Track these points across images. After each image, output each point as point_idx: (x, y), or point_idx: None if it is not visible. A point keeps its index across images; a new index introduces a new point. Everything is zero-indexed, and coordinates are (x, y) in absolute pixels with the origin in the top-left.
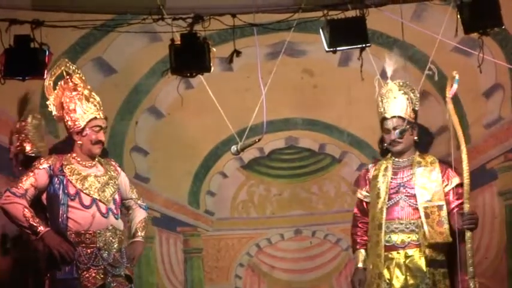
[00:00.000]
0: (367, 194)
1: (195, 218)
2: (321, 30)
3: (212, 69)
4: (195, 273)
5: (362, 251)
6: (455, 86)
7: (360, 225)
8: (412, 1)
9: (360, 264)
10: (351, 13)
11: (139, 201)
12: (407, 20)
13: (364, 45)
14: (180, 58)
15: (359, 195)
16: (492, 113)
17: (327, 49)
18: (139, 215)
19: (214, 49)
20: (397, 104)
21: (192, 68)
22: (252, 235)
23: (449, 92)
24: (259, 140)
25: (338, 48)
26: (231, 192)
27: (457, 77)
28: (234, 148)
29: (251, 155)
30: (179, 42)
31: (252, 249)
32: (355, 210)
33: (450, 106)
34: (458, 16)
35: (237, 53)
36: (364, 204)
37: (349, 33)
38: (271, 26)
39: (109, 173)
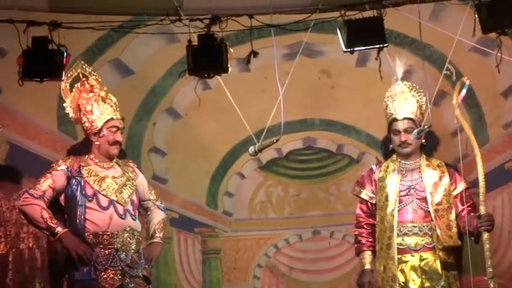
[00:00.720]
0: (373, 195)
1: (213, 219)
2: (338, 30)
3: (229, 70)
4: (213, 274)
5: (369, 252)
6: (464, 91)
7: (364, 226)
8: (430, 1)
9: (368, 266)
10: (369, 13)
11: (157, 203)
12: (425, 19)
13: (381, 45)
14: (197, 59)
15: (363, 196)
16: (510, 113)
17: (345, 49)
18: (157, 216)
19: (231, 50)
20: (407, 105)
21: (209, 69)
22: (270, 236)
23: (458, 97)
24: (276, 140)
25: (355, 49)
26: (249, 193)
27: (467, 82)
28: (251, 149)
29: (269, 155)
30: (196, 43)
31: (270, 250)
32: (359, 211)
33: (458, 111)
34: (476, 16)
35: (254, 53)
36: (369, 205)
37: (366, 34)
38: (289, 26)
39: (127, 174)
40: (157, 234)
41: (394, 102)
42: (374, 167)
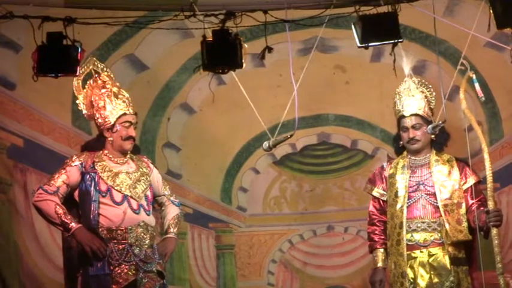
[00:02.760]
0: (384, 192)
1: (228, 214)
2: (353, 25)
3: (244, 65)
4: (228, 270)
5: (381, 250)
6: (477, 85)
7: (377, 223)
8: None
9: (380, 264)
10: (383, 8)
11: (172, 198)
12: (439, 15)
13: (396, 40)
14: (211, 55)
15: (375, 194)
16: None
17: (359, 45)
18: (172, 212)
19: (246, 45)
20: (415, 102)
21: (223, 64)
22: (284, 231)
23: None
24: (291, 136)
25: (370, 44)
26: (263, 188)
27: (474, 77)
28: (266, 144)
29: (283, 151)
30: (211, 39)
31: (284, 246)
32: (371, 208)
33: (465, 106)
34: (491, 11)
35: (269, 49)
36: (381, 202)
37: (381, 29)
38: (303, 22)
39: (141, 169)
40: (172, 230)
41: (401, 99)
42: (385, 164)
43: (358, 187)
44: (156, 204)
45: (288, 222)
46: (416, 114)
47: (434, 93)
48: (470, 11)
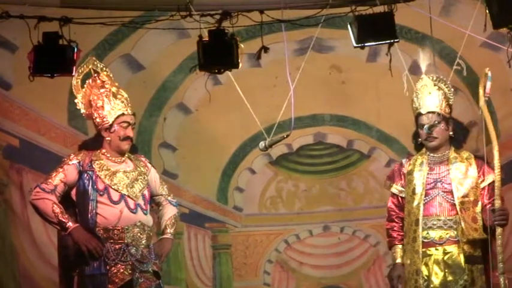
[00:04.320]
0: (402, 188)
1: (224, 214)
2: (349, 25)
3: (240, 65)
4: (224, 269)
5: (400, 246)
6: (488, 83)
7: (396, 220)
8: None
9: (399, 260)
10: (379, 8)
11: (169, 198)
12: (435, 15)
13: (392, 40)
14: (208, 54)
15: (394, 190)
16: None
17: (355, 45)
18: (169, 212)
19: (242, 45)
20: (431, 99)
21: (220, 64)
22: (280, 231)
23: (485, 90)
24: (287, 136)
25: (366, 44)
26: (259, 188)
27: (489, 73)
28: (262, 144)
29: (279, 151)
30: (207, 39)
31: (280, 246)
32: (390, 205)
33: (483, 103)
34: (487, 11)
35: (265, 49)
36: (400, 199)
37: (377, 29)
38: (299, 22)
39: (138, 168)
40: (168, 230)
41: (418, 97)
42: (404, 160)
43: (354, 187)
44: (154, 203)
45: (284, 222)
46: (433, 112)
47: (452, 89)
48: (466, 11)
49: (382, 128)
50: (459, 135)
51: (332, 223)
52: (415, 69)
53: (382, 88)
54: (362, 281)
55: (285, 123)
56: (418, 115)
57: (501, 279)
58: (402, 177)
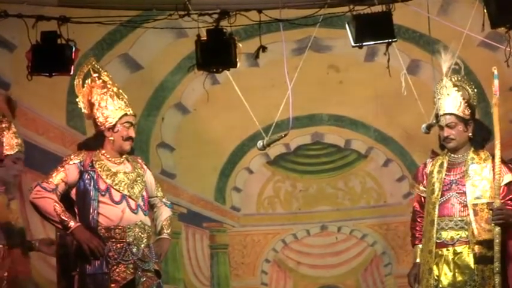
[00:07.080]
0: (424, 189)
1: (221, 214)
2: (347, 25)
3: (238, 65)
4: (221, 269)
5: (420, 246)
6: (495, 81)
7: (418, 219)
8: None
9: (418, 260)
10: (377, 8)
11: (164, 200)
12: (433, 14)
13: (390, 40)
14: (206, 54)
15: (417, 191)
16: None
17: (353, 44)
18: (164, 213)
19: (240, 45)
20: (450, 101)
21: (218, 63)
22: (278, 231)
23: (494, 89)
24: (285, 135)
25: (364, 44)
26: (257, 188)
27: (495, 72)
28: (260, 143)
29: (277, 150)
30: (205, 38)
31: (278, 245)
32: (415, 204)
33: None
34: (485, 10)
35: (263, 48)
36: (423, 199)
37: (375, 28)
38: (297, 21)
39: (136, 170)
40: (165, 231)
41: (438, 98)
42: (428, 160)
43: (351, 187)
44: (149, 205)
45: (281, 221)
46: (451, 113)
47: (476, 90)
48: (464, 11)
49: (380, 128)
50: (478, 136)
51: (329, 223)
52: (413, 69)
53: (380, 88)
54: (359, 280)
55: (283, 123)
56: (437, 116)
57: (495, 279)
58: (424, 177)
